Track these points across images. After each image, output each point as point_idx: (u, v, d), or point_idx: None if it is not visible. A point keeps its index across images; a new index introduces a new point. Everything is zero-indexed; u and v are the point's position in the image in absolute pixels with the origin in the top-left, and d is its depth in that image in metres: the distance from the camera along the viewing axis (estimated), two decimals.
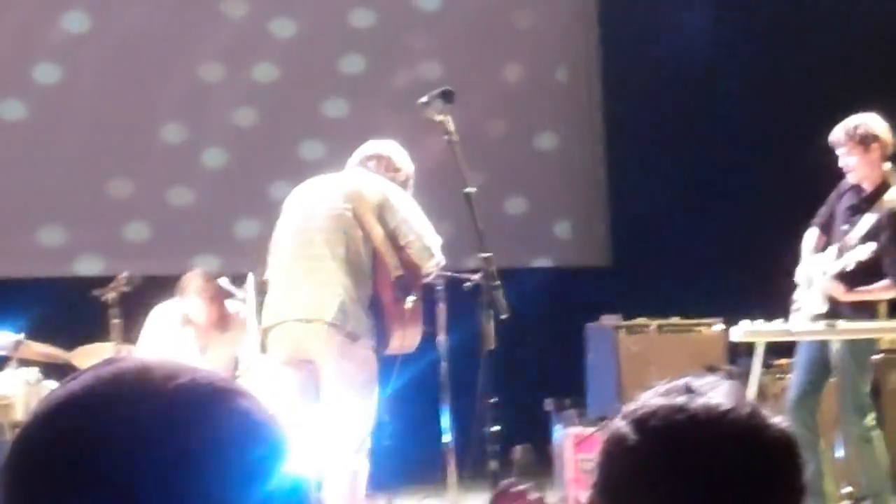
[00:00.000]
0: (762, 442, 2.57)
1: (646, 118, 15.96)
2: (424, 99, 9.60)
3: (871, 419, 11.04)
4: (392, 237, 9.71)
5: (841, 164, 11.03)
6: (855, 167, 10.97)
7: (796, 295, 11.16)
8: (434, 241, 9.82)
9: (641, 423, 2.59)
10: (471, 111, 13.45)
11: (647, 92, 15.97)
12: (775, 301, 11.32)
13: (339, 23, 16.57)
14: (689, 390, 2.63)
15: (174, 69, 15.83)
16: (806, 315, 10.99)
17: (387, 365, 10.10)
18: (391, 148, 10.15)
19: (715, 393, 2.61)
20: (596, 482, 2.65)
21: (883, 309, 11.20)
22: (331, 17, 16.57)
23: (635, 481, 2.58)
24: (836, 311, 10.90)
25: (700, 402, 2.60)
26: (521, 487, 2.38)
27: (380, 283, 9.71)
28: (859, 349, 11.02)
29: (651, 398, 2.64)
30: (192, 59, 16.01)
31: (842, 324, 10.78)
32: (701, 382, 2.65)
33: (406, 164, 10.17)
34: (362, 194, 9.57)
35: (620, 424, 2.63)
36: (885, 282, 10.85)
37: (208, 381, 1.82)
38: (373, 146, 10.05)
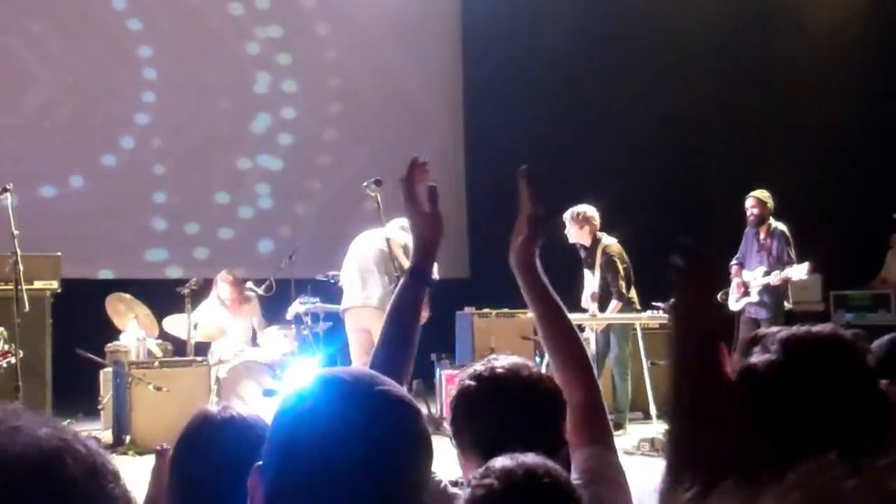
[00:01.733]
0: (542, 386, 2.74)
1: (495, 186, 15.60)
2: (365, 183, 9.71)
3: (627, 369, 11.48)
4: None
5: (566, 232, 11.47)
6: (574, 235, 11.45)
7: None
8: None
9: (477, 376, 2.77)
10: (391, 188, 13.47)
11: (497, 162, 15.70)
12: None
13: (318, 139, 16.35)
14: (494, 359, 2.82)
15: (226, 155, 15.81)
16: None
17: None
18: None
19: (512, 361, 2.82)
20: (453, 410, 2.82)
21: (639, 305, 11.37)
22: (315, 134, 16.34)
23: (474, 407, 2.74)
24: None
25: (499, 364, 2.79)
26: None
27: None
28: (624, 328, 11.40)
29: (484, 362, 2.83)
30: (239, 148, 15.93)
31: (611, 315, 11.28)
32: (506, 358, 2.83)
33: None
34: (392, 239, 10.03)
35: (465, 379, 2.81)
36: (614, 303, 11.29)
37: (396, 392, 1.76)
38: (399, 218, 10.30)
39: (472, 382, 2.76)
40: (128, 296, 11.59)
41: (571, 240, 11.47)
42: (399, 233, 10.38)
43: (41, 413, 1.39)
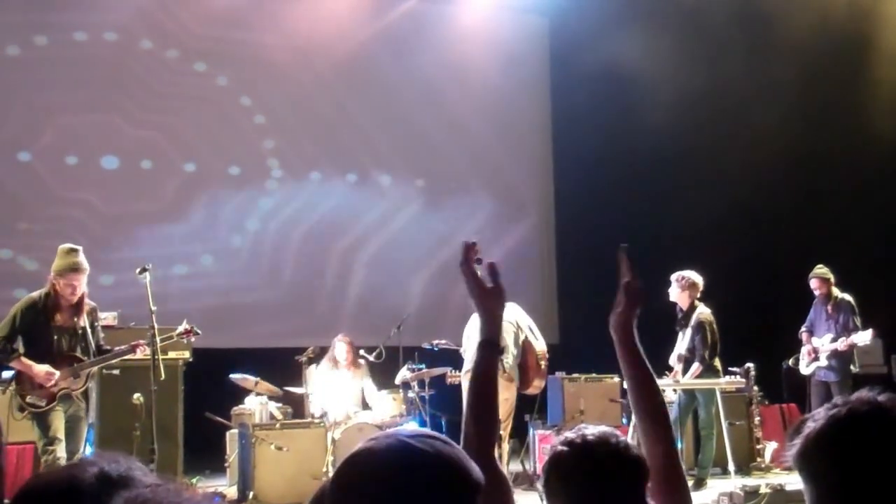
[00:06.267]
0: (628, 455, 2.64)
1: (584, 260, 15.33)
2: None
3: (713, 430, 11.07)
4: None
5: (670, 291, 11.23)
6: (676, 296, 11.17)
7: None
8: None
9: (569, 443, 2.69)
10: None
11: (585, 238, 15.40)
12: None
13: (422, 219, 16.27)
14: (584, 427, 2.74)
15: (341, 233, 15.69)
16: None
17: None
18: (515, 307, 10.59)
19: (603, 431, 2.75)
20: (546, 474, 2.72)
21: (722, 372, 11.08)
22: (419, 215, 16.25)
23: (566, 471, 2.65)
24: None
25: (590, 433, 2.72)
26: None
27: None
28: (710, 392, 11.01)
29: (575, 430, 2.74)
30: (352, 227, 15.82)
31: (697, 381, 10.93)
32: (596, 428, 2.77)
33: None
34: (519, 320, 10.42)
35: (558, 445, 2.73)
36: (695, 366, 10.97)
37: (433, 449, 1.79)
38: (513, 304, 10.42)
39: (565, 448, 2.71)
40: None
41: (672, 299, 11.24)
42: (524, 316, 10.63)
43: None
